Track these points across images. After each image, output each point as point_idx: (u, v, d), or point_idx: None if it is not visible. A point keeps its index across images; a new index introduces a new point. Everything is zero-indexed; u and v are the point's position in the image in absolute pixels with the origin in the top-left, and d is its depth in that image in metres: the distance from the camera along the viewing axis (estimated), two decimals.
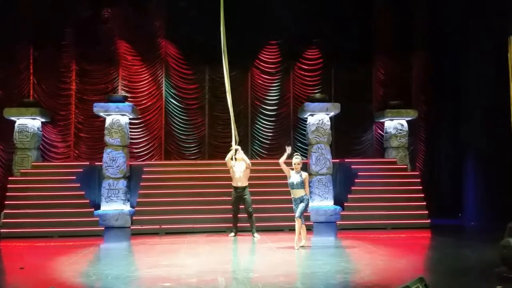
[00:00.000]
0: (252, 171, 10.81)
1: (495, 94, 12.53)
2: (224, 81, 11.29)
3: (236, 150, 10.62)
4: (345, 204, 12.42)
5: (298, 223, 8.76)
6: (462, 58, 14.14)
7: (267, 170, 12.60)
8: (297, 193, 8.87)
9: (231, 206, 10.72)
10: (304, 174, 8.93)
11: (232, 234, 10.66)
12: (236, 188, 10.49)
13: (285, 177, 12.65)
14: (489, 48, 12.55)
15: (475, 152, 13.62)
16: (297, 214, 8.74)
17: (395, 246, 9.38)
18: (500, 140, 12.36)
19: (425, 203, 12.31)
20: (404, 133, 14.26)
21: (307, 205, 8.94)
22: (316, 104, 13.63)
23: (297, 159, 9.01)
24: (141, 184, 12.69)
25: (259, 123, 15.22)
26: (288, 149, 9.44)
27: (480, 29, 13.08)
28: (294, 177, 8.89)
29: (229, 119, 11.49)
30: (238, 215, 10.76)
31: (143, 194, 12.35)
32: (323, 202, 13.27)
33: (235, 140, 10.82)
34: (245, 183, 10.53)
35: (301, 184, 8.82)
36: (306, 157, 14.33)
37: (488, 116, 12.83)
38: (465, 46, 14.00)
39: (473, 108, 13.56)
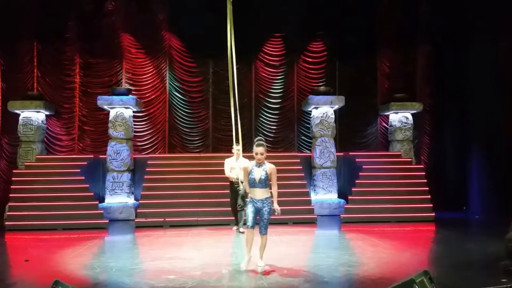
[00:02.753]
0: None
1: (499, 86, 12.50)
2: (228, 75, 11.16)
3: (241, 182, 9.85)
4: (349, 198, 12.41)
5: (262, 239, 6.64)
6: (467, 51, 14.06)
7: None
8: (258, 193, 6.48)
9: (229, 200, 10.67)
10: (269, 167, 6.50)
11: (236, 227, 10.66)
12: (233, 182, 10.39)
13: (289, 170, 12.79)
14: (493, 41, 12.48)
15: (479, 145, 13.58)
16: (263, 230, 6.55)
17: (399, 239, 9.36)
18: (505, 133, 12.32)
19: (429, 196, 12.30)
20: (409, 126, 14.20)
21: (269, 214, 6.57)
22: (320, 97, 13.58)
23: (259, 148, 6.45)
24: (145, 177, 12.75)
25: (263, 116, 15.17)
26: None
27: (484, 22, 13.00)
28: (256, 172, 6.46)
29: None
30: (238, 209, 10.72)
31: (147, 187, 12.40)
32: (327, 196, 13.26)
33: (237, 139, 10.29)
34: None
35: (265, 182, 6.44)
36: (310, 150, 14.34)
37: (493, 109, 12.78)
38: (469, 39, 13.92)
39: (478, 101, 13.49)
